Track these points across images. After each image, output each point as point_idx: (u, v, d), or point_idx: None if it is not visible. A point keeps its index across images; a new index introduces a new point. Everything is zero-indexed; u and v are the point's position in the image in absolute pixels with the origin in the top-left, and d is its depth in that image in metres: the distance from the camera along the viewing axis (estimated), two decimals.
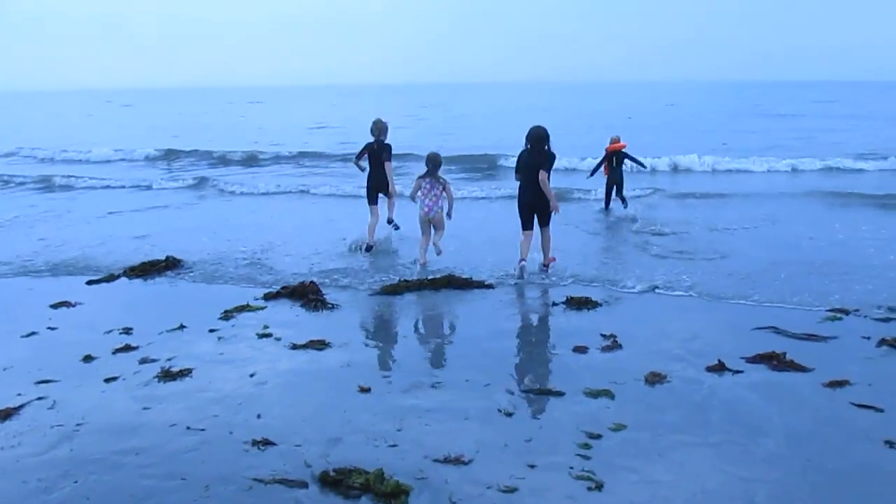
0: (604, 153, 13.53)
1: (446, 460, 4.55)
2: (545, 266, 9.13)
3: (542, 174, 8.65)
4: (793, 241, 10.79)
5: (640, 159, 14.13)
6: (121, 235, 12.06)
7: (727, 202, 14.78)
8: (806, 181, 17.83)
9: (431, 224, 9.66)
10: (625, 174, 13.63)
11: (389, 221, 11.01)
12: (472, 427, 5.01)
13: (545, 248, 9.16)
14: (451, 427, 5.02)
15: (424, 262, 9.50)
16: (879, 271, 8.91)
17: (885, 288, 8.13)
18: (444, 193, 9.62)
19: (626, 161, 13.47)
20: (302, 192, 17.28)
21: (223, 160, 25.11)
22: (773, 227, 12.02)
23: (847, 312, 7.25)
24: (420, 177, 9.70)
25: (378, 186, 10.81)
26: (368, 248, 10.46)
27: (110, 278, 9.22)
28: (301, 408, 5.36)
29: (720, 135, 30.91)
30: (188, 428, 5.04)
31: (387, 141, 10.74)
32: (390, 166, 10.72)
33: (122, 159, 26.03)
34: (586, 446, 4.72)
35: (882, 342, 6.49)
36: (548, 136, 8.72)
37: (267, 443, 4.79)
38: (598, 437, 4.84)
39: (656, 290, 8.26)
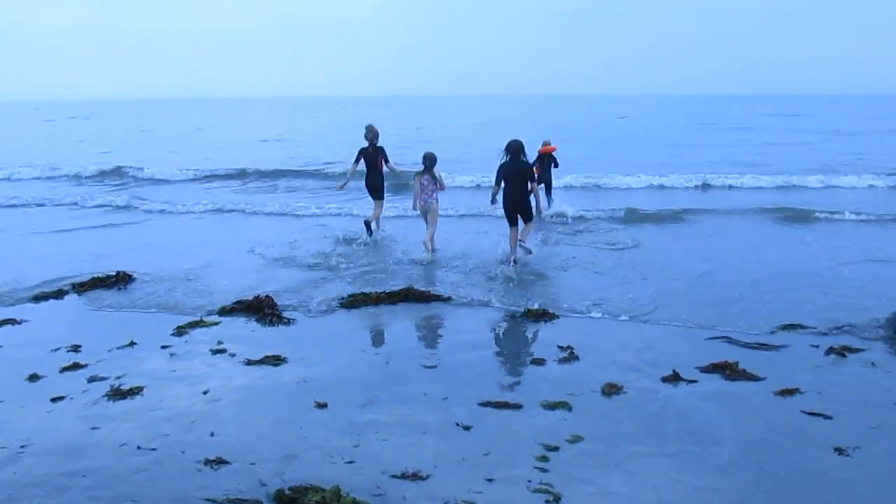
0: (536, 154, 14.50)
1: (404, 476, 4.51)
2: (521, 240, 10.37)
3: (532, 185, 10.19)
4: (727, 257, 11.01)
5: (557, 161, 15.20)
6: (52, 254, 11.75)
7: (672, 221, 15.01)
8: (729, 197, 17.87)
9: (429, 214, 10.94)
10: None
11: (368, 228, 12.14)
12: (430, 441, 4.98)
13: (525, 233, 10.46)
14: (409, 442, 4.98)
15: (432, 250, 10.72)
16: (823, 287, 9.14)
17: (826, 303, 8.34)
18: (438, 186, 10.98)
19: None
20: (244, 211, 16.28)
21: (155, 180, 23.14)
22: (707, 244, 12.25)
23: (796, 327, 7.38)
24: (418, 174, 10.97)
25: (375, 185, 12.02)
26: (368, 227, 11.90)
27: (58, 294, 8.97)
28: (256, 425, 5.27)
29: (662, 147, 31.59)
30: (139, 448, 4.91)
31: (379, 144, 12.01)
32: (392, 164, 12.08)
33: (51, 177, 23.83)
34: (544, 459, 4.72)
35: (830, 350, 6.65)
36: (524, 148, 10.11)
37: (220, 461, 4.70)
38: (556, 449, 4.85)
39: (593, 315, 8.14)
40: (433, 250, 10.67)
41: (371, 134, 11.85)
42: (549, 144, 14.89)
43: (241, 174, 23.41)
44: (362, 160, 11.98)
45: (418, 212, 11.23)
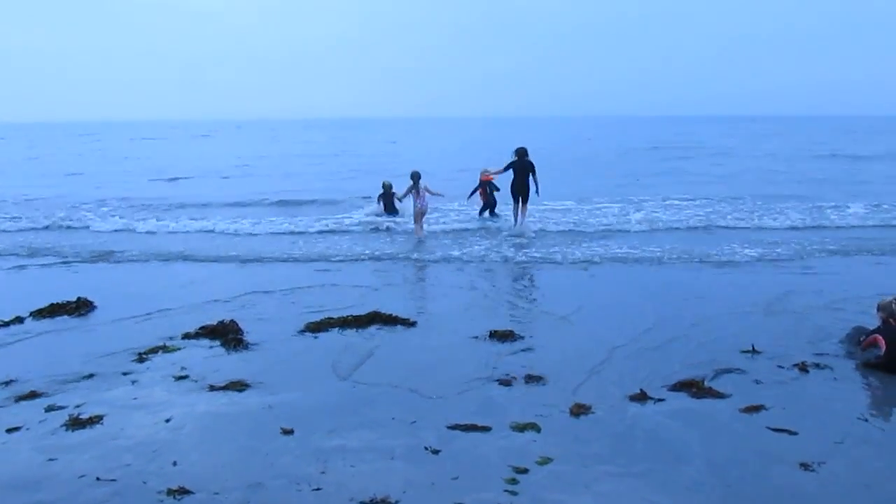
0: (478, 182, 17.41)
1: (372, 502, 4.44)
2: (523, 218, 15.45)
3: (534, 175, 15.23)
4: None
5: (497, 187, 17.51)
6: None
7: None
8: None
9: (422, 215, 15.22)
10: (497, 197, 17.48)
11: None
12: (399, 466, 4.92)
13: (524, 213, 15.50)
14: (377, 467, 4.91)
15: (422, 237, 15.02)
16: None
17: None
18: (428, 193, 15.17)
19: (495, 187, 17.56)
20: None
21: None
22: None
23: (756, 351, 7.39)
24: (409, 188, 15.16)
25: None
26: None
27: (16, 321, 8.73)
28: (220, 453, 5.16)
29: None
30: (98, 479, 4.77)
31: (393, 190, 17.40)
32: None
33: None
34: (513, 481, 4.69)
35: (793, 367, 6.74)
36: (527, 152, 15.40)
37: (184, 491, 4.58)
38: (525, 471, 4.82)
39: (562, 334, 8.29)
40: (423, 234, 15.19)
41: (386, 187, 17.70)
42: (489, 173, 17.08)
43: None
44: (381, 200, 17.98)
45: (413, 213, 15.33)
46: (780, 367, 6.82)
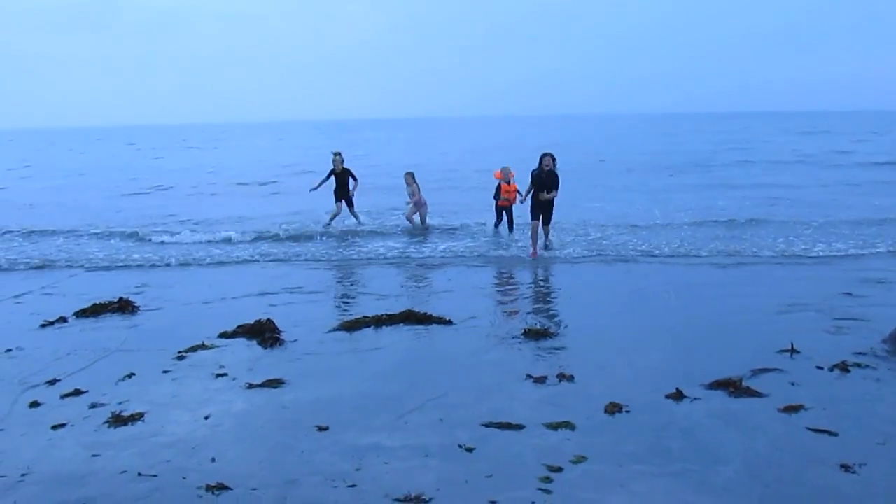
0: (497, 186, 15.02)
1: (407, 499, 4.47)
2: (546, 238, 13.28)
3: (555, 192, 12.73)
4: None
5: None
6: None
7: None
8: None
9: (420, 211, 15.92)
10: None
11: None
12: (433, 464, 4.95)
13: (546, 232, 13.27)
14: (411, 465, 4.94)
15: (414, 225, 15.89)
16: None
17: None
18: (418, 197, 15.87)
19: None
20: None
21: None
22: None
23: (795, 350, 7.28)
24: (413, 184, 15.73)
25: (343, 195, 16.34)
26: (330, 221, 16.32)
27: (61, 321, 8.96)
28: (257, 450, 5.24)
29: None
30: (139, 474, 4.87)
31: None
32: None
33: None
34: (547, 480, 4.68)
35: (834, 367, 6.61)
36: (555, 161, 12.64)
37: (222, 487, 4.66)
38: (559, 470, 4.81)
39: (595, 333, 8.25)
40: (426, 227, 15.88)
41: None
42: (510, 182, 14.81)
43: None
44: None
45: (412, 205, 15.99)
46: (819, 367, 6.69)
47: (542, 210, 12.77)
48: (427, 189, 16.70)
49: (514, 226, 15.06)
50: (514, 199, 14.72)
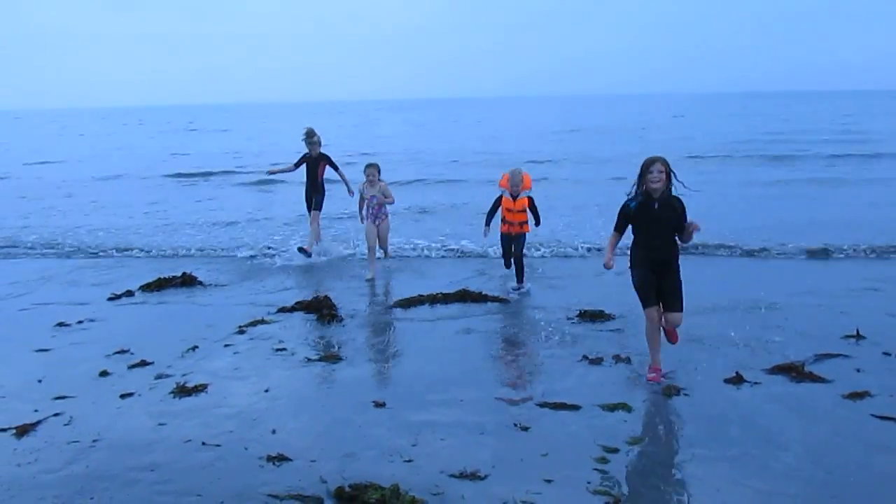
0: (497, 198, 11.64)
1: (462, 475, 4.52)
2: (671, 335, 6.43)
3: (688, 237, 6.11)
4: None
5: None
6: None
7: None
8: None
9: (379, 226, 10.23)
10: None
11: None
12: (488, 441, 4.98)
13: (673, 326, 6.26)
14: (467, 441, 4.99)
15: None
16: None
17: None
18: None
19: None
20: None
21: None
22: None
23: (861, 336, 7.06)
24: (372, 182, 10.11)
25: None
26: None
27: (127, 294, 9.27)
28: (315, 423, 5.35)
29: None
30: (203, 444, 5.03)
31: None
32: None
33: None
34: (603, 460, 4.67)
35: None
36: (671, 171, 5.95)
37: (282, 458, 4.78)
38: (615, 451, 4.79)
39: None
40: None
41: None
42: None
43: None
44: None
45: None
46: (886, 353, 6.49)
47: (659, 276, 6.08)
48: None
49: (524, 273, 9.17)
50: (522, 226, 9.06)
